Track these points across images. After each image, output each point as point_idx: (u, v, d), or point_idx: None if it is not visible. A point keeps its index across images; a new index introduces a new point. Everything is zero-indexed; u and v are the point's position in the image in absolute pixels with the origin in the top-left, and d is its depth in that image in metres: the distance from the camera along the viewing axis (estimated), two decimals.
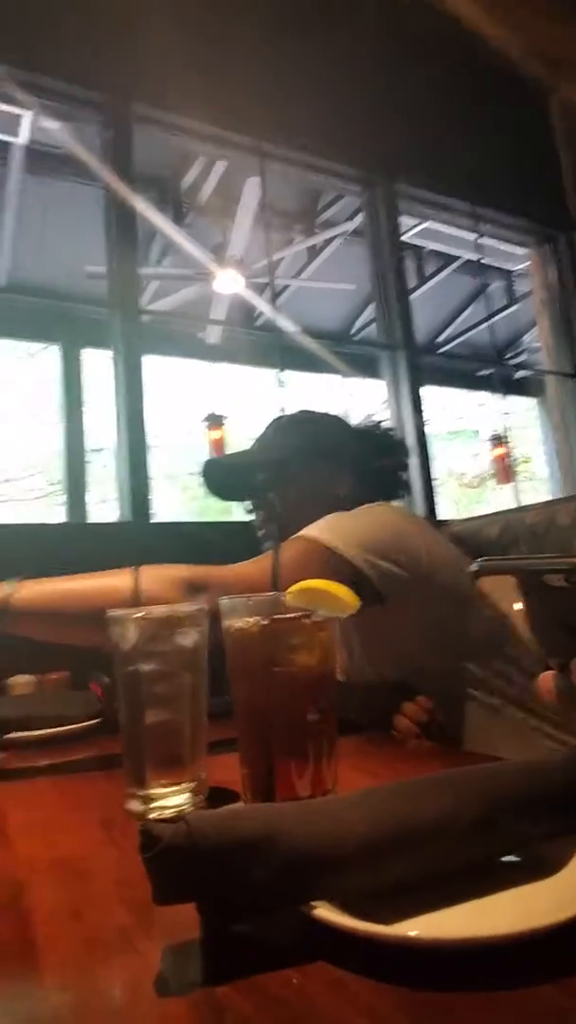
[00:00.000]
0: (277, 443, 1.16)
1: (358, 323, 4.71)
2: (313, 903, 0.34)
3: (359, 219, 3.27)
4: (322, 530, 0.89)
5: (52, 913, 0.39)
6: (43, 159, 3.13)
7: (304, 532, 0.90)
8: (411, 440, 2.53)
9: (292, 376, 2.68)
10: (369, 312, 4.40)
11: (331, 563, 0.85)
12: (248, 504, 1.18)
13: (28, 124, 2.60)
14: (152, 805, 0.56)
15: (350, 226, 3.56)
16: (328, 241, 3.85)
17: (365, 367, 3.58)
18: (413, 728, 0.83)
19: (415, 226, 3.40)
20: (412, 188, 2.87)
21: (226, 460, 1.24)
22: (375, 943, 0.31)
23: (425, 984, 0.29)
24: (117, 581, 0.66)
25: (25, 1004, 0.31)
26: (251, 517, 1.20)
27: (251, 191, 3.00)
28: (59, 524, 3.53)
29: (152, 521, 2.06)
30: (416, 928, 0.33)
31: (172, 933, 0.35)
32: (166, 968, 0.33)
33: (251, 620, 0.54)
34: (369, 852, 0.35)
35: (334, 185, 3.09)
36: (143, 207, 2.40)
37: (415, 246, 3.94)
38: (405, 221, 3.00)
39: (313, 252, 4.02)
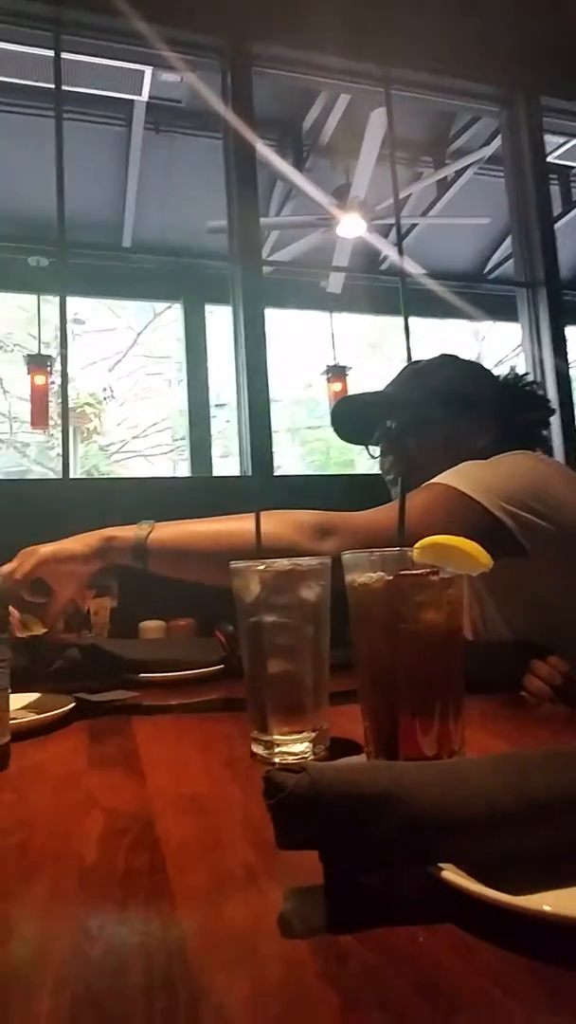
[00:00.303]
0: (415, 386, 1.11)
1: (492, 261, 4.36)
2: (440, 864, 0.33)
3: (496, 143, 2.99)
4: (457, 477, 0.85)
5: (181, 846, 0.41)
6: (163, 115, 3.14)
7: (438, 479, 0.86)
8: (551, 386, 2.34)
9: (419, 323, 2.55)
10: (505, 247, 4.06)
11: (467, 511, 0.81)
12: (376, 448, 1.15)
13: (149, 80, 2.61)
14: (275, 750, 0.58)
15: (487, 151, 3.25)
16: (460, 172, 3.56)
17: (498, 309, 3.32)
18: (546, 690, 0.79)
19: (561, 145, 3.04)
20: (559, 100, 2.56)
21: (359, 399, 1.19)
22: (505, 912, 0.29)
23: (559, 960, 0.28)
24: (247, 524, 0.67)
25: (157, 928, 0.33)
26: (376, 468, 1.17)
27: (376, 124, 2.82)
28: (184, 478, 3.70)
29: (274, 474, 2.08)
30: (549, 902, 0.31)
31: (296, 875, 0.36)
32: (289, 909, 0.33)
33: (375, 576, 0.52)
34: (497, 821, 0.34)
35: (468, 107, 2.84)
36: (263, 151, 2.35)
37: (560, 167, 3.54)
38: (549, 140, 2.69)
39: (443, 186, 3.73)
